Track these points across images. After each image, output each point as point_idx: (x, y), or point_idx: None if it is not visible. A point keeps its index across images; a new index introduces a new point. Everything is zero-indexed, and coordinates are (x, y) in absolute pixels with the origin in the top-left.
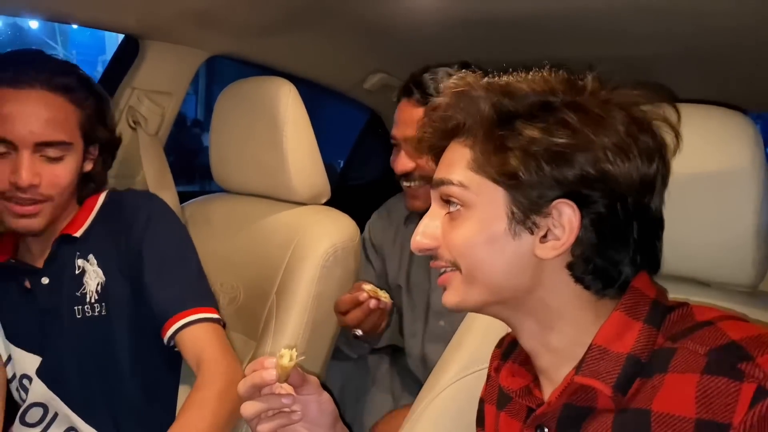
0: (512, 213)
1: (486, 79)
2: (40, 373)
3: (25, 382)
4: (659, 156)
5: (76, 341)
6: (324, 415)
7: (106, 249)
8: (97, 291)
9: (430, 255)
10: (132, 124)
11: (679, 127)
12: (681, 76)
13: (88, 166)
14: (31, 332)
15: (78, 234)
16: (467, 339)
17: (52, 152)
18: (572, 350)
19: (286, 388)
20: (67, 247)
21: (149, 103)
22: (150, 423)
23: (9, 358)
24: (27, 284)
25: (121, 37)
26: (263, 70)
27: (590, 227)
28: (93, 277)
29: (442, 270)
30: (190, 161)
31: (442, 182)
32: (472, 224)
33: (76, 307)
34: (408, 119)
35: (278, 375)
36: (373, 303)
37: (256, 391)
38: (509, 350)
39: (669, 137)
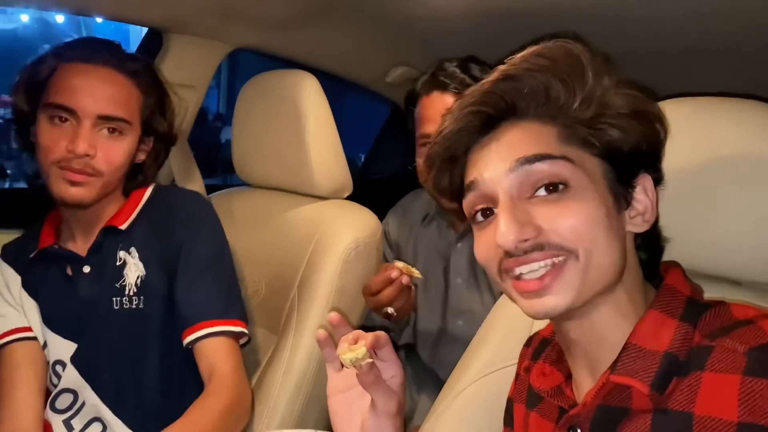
0: (613, 188)
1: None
2: (74, 360)
3: (59, 368)
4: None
5: (112, 332)
6: (398, 393)
7: (149, 243)
8: (136, 284)
9: (524, 249)
10: None
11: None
12: (714, 70)
13: (141, 156)
14: (68, 319)
15: (123, 227)
16: (491, 336)
17: (111, 125)
18: (614, 341)
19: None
20: (110, 238)
21: (173, 97)
22: (170, 420)
23: (45, 344)
24: (69, 271)
25: (144, 32)
26: (285, 64)
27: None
28: (133, 270)
29: (546, 263)
30: (212, 155)
31: (540, 157)
32: (581, 204)
33: (114, 298)
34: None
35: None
36: (405, 279)
37: None
38: (539, 350)
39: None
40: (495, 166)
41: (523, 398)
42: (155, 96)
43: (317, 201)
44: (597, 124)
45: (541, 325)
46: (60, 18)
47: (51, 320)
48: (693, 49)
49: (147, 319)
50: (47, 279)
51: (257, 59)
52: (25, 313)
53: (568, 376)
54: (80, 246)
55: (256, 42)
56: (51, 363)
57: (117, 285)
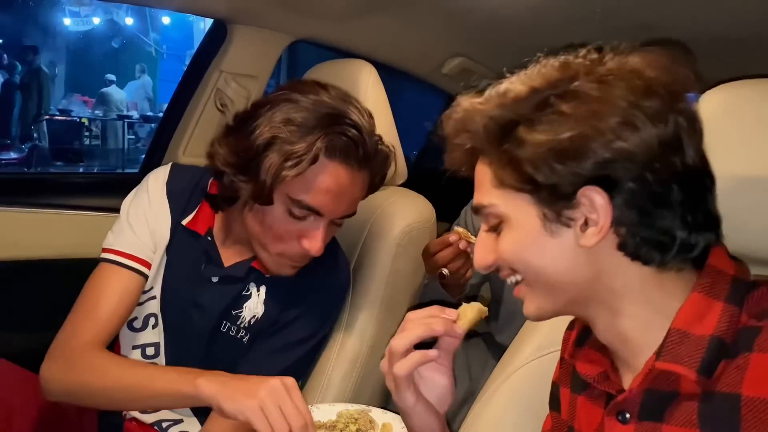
0: (543, 214)
1: (484, 93)
2: (165, 335)
3: (151, 319)
4: (673, 111)
5: (207, 343)
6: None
7: (278, 291)
8: (249, 321)
9: (494, 271)
10: (220, 107)
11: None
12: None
13: None
14: (175, 309)
15: None
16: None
17: (338, 220)
18: (647, 335)
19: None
20: (253, 267)
21: (236, 86)
22: None
23: (151, 289)
24: (203, 266)
25: (206, 29)
26: (343, 55)
27: (625, 205)
28: (252, 307)
29: (512, 280)
30: None
31: (479, 209)
32: (512, 234)
33: (225, 322)
34: None
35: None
36: (462, 244)
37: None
38: (584, 336)
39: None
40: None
41: (568, 382)
42: (383, 179)
43: None
44: (512, 166)
45: None
46: (129, 20)
47: (168, 288)
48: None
49: (243, 351)
50: (183, 255)
51: (315, 51)
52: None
53: (613, 363)
54: (227, 253)
55: (316, 33)
56: (147, 310)
57: (233, 312)
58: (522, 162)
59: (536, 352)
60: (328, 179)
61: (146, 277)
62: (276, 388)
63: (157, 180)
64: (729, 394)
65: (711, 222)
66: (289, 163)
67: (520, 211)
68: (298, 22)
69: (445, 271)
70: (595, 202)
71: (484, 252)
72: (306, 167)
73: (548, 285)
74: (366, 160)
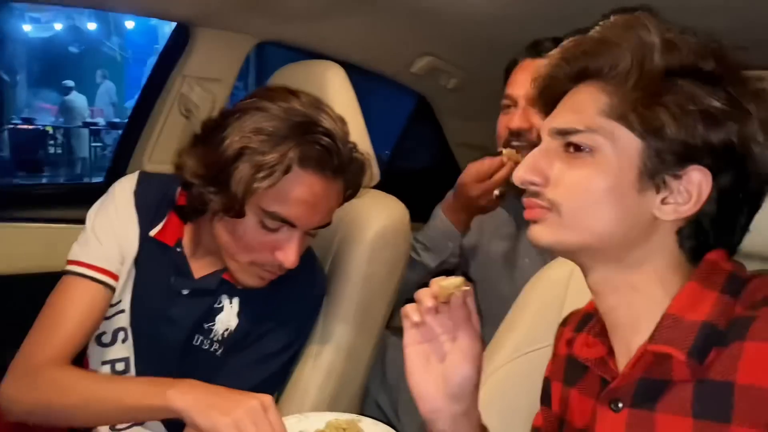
0: (645, 166)
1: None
2: (136, 350)
3: (120, 333)
4: None
5: (180, 357)
6: (460, 387)
7: (251, 303)
8: (222, 334)
9: (526, 189)
10: (185, 112)
11: None
12: None
13: None
14: (143, 322)
15: None
16: (520, 319)
17: (313, 231)
18: (653, 313)
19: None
20: (225, 280)
21: (200, 90)
22: None
23: (120, 303)
24: (172, 278)
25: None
26: (311, 57)
27: (715, 199)
28: (224, 320)
29: (537, 203)
30: None
31: (568, 132)
32: (596, 169)
33: (197, 335)
34: (532, 77)
35: (436, 291)
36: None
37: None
38: (583, 323)
39: None
40: (549, 119)
41: (561, 376)
42: (358, 188)
43: None
44: (648, 107)
45: (571, 308)
46: (92, 25)
47: (137, 302)
48: None
49: (217, 364)
50: (152, 267)
51: (284, 52)
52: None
53: (611, 351)
54: (197, 264)
55: (281, 34)
56: (114, 325)
57: (205, 325)
58: (663, 107)
59: (514, 352)
60: (302, 190)
61: (113, 289)
62: (253, 408)
63: (124, 189)
64: (722, 382)
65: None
66: (261, 175)
67: (621, 152)
68: (263, 24)
69: (501, 191)
70: (696, 182)
71: (537, 171)
72: (279, 178)
73: (589, 230)
74: (340, 169)
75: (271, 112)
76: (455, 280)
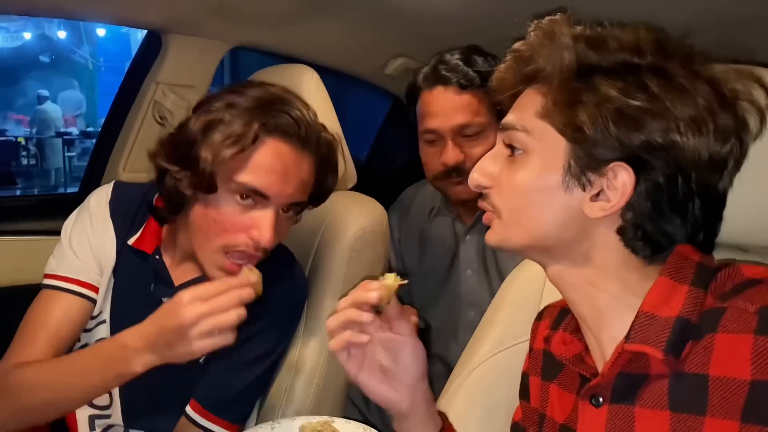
0: (569, 165)
1: (578, 27)
2: None
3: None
4: (736, 137)
5: (163, 367)
6: (415, 364)
7: None
8: None
9: (480, 193)
10: (159, 120)
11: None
12: None
13: None
14: (129, 325)
15: None
16: (499, 315)
17: (295, 210)
18: (617, 310)
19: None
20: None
21: (174, 97)
22: None
23: (100, 314)
24: (152, 287)
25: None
26: (286, 60)
27: (645, 195)
28: None
29: (486, 208)
30: None
31: (507, 127)
32: (529, 170)
33: None
34: (450, 107)
35: (381, 296)
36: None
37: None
38: (559, 320)
39: (753, 121)
40: (504, 119)
41: (538, 371)
42: (331, 171)
43: None
44: (570, 106)
45: (547, 302)
46: (62, 34)
47: (117, 315)
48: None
49: (200, 371)
50: (131, 276)
51: (258, 57)
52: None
53: (587, 347)
54: (177, 271)
55: (254, 39)
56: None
57: None
58: (582, 107)
59: (495, 348)
60: (270, 158)
61: (94, 301)
62: (188, 317)
63: (100, 199)
64: (696, 375)
65: (708, 244)
66: (228, 142)
67: (549, 152)
68: (235, 30)
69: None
70: (620, 179)
71: (486, 174)
72: (246, 146)
73: (528, 229)
74: (308, 141)
75: (239, 93)
76: (393, 278)
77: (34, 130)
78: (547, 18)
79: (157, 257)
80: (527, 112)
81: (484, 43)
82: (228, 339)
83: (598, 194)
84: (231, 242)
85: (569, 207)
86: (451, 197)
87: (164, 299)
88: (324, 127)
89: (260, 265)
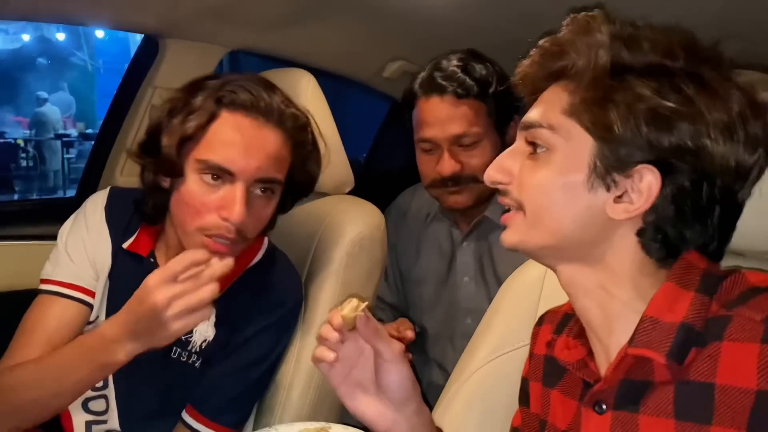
0: (594, 165)
1: (613, 25)
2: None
3: None
4: (764, 147)
5: (158, 371)
6: (401, 388)
7: (228, 313)
8: (200, 346)
9: (497, 189)
10: None
11: None
12: None
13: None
14: None
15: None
16: (496, 320)
17: (265, 186)
18: (626, 315)
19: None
20: None
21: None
22: None
23: (97, 319)
24: None
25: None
26: (284, 64)
27: (670, 199)
28: (202, 331)
29: (507, 208)
30: None
31: (532, 125)
32: (553, 168)
33: (176, 348)
34: (446, 117)
35: (339, 324)
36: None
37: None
38: (562, 324)
39: None
40: (526, 116)
41: (539, 376)
42: (305, 150)
43: (320, 197)
44: (600, 105)
45: (546, 307)
46: (61, 36)
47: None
48: None
49: (196, 376)
50: (127, 280)
51: (258, 61)
52: (98, 277)
53: (591, 352)
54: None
55: (251, 43)
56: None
57: (183, 338)
58: (613, 105)
59: (493, 352)
60: (230, 132)
61: (90, 306)
62: (161, 302)
63: (96, 205)
64: (703, 384)
65: (718, 253)
66: (187, 119)
67: (574, 150)
68: (232, 33)
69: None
70: (645, 182)
71: (504, 170)
72: (203, 122)
73: (549, 229)
74: (269, 113)
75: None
76: (353, 305)
77: (33, 132)
78: (583, 13)
79: (152, 260)
80: (552, 109)
81: (481, 47)
82: (205, 315)
83: (621, 195)
84: (205, 224)
85: (592, 207)
86: (447, 206)
87: None
88: (290, 102)
89: (257, 270)
